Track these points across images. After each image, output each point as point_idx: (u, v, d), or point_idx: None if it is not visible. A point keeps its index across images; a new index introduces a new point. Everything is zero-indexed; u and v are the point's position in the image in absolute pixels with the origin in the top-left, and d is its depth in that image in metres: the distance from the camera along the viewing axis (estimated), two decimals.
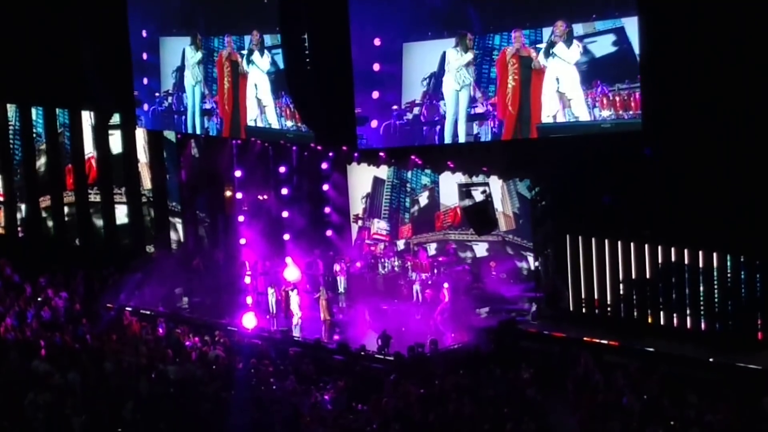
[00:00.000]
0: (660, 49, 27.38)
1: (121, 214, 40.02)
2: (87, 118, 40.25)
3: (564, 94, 28.78)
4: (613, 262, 30.36)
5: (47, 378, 27.94)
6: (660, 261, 29.56)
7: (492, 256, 34.37)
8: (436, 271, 34.32)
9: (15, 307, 33.71)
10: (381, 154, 34.13)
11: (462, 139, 30.13)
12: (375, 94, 30.28)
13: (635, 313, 30.21)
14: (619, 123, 28.18)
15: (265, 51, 31.91)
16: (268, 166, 36.80)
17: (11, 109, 42.06)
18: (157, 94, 35.09)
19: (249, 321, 32.44)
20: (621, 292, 30.34)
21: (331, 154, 36.31)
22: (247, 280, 35.16)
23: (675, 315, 29.54)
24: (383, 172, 36.53)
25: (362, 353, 29.86)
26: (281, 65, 31.58)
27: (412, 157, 33.94)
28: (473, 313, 32.25)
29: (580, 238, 30.85)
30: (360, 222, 37.47)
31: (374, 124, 30.24)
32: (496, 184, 33.94)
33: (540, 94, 29.01)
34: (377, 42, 29.98)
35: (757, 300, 28.37)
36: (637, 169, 29.48)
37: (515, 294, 32.71)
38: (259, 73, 32.30)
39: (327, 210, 37.61)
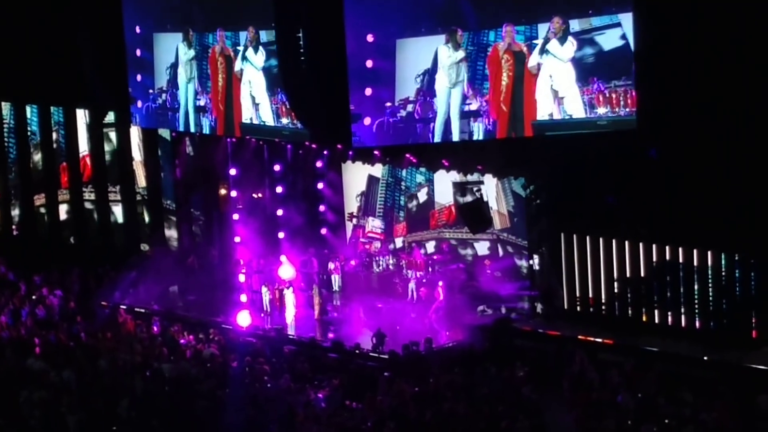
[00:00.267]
0: (656, 45, 27.34)
1: (116, 212, 39.99)
2: (82, 116, 40.23)
3: (558, 91, 28.74)
4: (607, 261, 30.38)
5: (42, 376, 27.94)
6: (655, 259, 29.57)
7: (493, 254, 34.32)
8: (430, 269, 34.34)
9: (10, 305, 33.70)
10: (376, 152, 34.14)
11: (456, 137, 30.07)
12: (368, 91, 30.09)
13: (630, 312, 30.21)
14: (615, 120, 28.15)
15: (260, 48, 31.85)
16: (262, 165, 36.80)
17: (6, 107, 42.01)
18: (151, 91, 35.00)
19: (243, 319, 32.44)
20: (616, 290, 30.35)
21: (325, 152, 36.31)
22: (242, 278, 35.15)
23: (670, 313, 29.54)
24: (378, 170, 36.52)
25: (357, 351, 29.87)
26: (276, 62, 31.51)
27: (407, 155, 33.93)
28: (468, 311, 32.26)
29: (574, 236, 30.86)
30: (355, 220, 37.47)
31: (367, 121, 30.13)
32: (490, 182, 33.92)
33: (534, 92, 28.97)
34: (370, 38, 29.75)
35: (751, 298, 28.38)
36: (632, 168, 29.47)
37: (510, 292, 32.72)
38: (253, 71, 32.24)
39: (322, 208, 37.61)
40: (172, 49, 34.09)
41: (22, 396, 26.49)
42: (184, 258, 37.22)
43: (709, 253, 28.68)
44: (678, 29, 27.10)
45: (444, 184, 35.21)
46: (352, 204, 37.43)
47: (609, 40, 28.01)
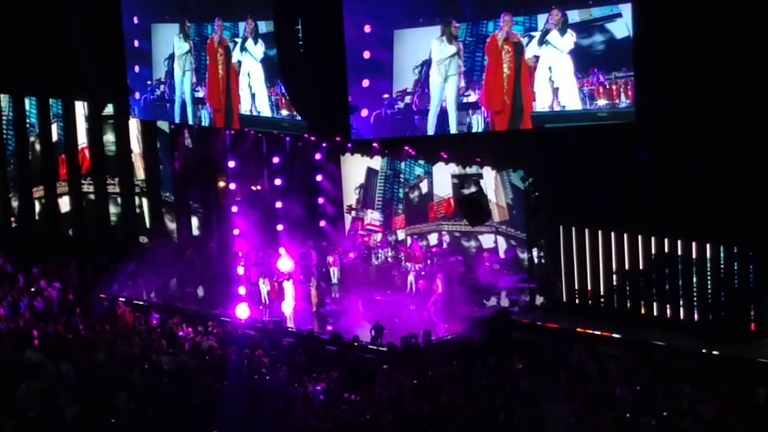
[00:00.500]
0: (655, 36, 27.29)
1: (115, 205, 39.96)
2: (80, 108, 40.18)
3: (556, 83, 28.66)
4: (606, 253, 30.37)
5: (40, 368, 27.92)
6: (653, 252, 29.57)
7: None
8: (429, 261, 34.33)
9: (8, 297, 33.66)
10: (374, 144, 34.09)
11: (454, 129, 30.01)
12: (365, 83, 29.98)
13: (628, 304, 30.22)
14: (615, 112, 28.09)
15: (259, 39, 31.77)
16: (261, 157, 36.78)
17: (5, 99, 41.94)
18: (149, 83, 34.91)
19: (242, 311, 32.44)
20: (614, 283, 30.36)
21: (324, 144, 36.28)
22: (241, 270, 35.14)
23: (668, 306, 29.55)
24: (377, 162, 36.49)
25: (355, 344, 29.87)
26: (275, 53, 31.41)
27: (406, 147, 33.90)
28: (467, 304, 32.26)
29: (573, 229, 30.85)
30: (353, 213, 37.45)
31: (364, 113, 30.00)
32: (489, 174, 33.90)
33: (533, 83, 28.88)
34: (367, 29, 29.58)
35: (750, 291, 28.40)
36: (630, 160, 29.45)
37: (509, 285, 32.72)
38: (252, 62, 32.16)
39: (321, 201, 37.60)
40: (170, 40, 34.01)
41: (21, 388, 26.47)
42: (182, 250, 37.18)
43: (707, 245, 28.68)
44: (677, 20, 27.04)
45: (443, 177, 35.17)
46: (350, 196, 37.40)
47: (609, 31, 27.87)
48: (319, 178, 37.46)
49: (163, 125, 37.77)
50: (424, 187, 35.81)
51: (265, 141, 36.34)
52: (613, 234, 30.15)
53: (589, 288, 30.79)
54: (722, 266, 28.61)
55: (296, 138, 35.44)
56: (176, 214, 38.69)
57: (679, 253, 29.16)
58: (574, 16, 28.19)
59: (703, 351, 27.79)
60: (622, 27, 27.63)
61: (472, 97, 29.62)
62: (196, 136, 37.44)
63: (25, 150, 41.68)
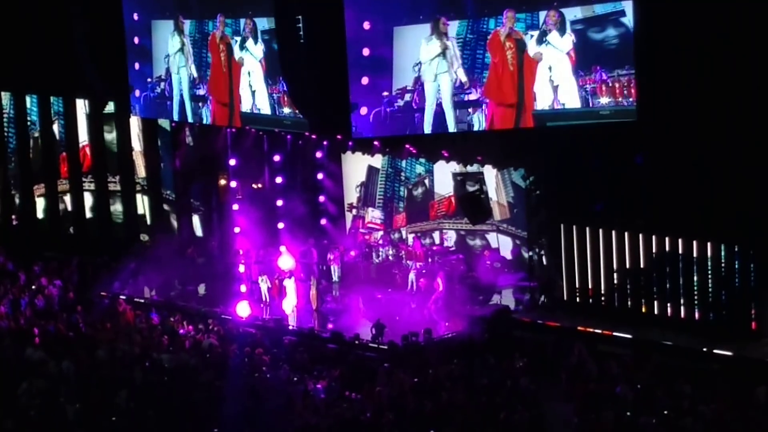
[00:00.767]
0: (656, 33, 27.27)
1: (116, 203, 39.96)
2: (81, 106, 40.18)
3: (555, 82, 28.64)
4: (607, 252, 30.34)
5: (41, 366, 27.94)
6: (654, 250, 29.55)
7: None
8: (430, 260, 34.31)
9: (9, 295, 33.67)
10: (375, 143, 34.09)
11: (452, 128, 29.97)
12: (365, 80, 29.92)
13: (629, 303, 30.19)
14: (617, 110, 28.06)
15: (259, 37, 31.73)
16: (262, 155, 36.77)
17: (6, 97, 41.93)
18: (149, 80, 34.89)
19: (243, 310, 32.43)
20: (615, 281, 30.33)
21: (325, 142, 36.27)
22: (241, 268, 35.14)
23: (669, 305, 29.53)
24: (378, 161, 36.48)
25: (356, 342, 29.86)
26: (276, 51, 31.38)
27: (407, 146, 33.88)
28: (468, 302, 32.27)
29: (574, 227, 30.81)
30: (354, 211, 37.45)
31: (364, 111, 29.96)
32: (490, 173, 33.89)
33: (534, 82, 28.87)
34: (367, 25, 29.52)
35: (751, 290, 28.37)
36: (632, 159, 29.45)
37: (509, 283, 32.72)
38: (252, 61, 32.16)
39: (322, 199, 37.58)
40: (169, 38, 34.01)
41: (21, 386, 26.47)
42: (183, 248, 37.18)
43: (708, 244, 28.65)
44: (678, 17, 27.02)
45: (444, 175, 35.16)
46: (351, 194, 37.39)
47: (612, 28, 27.83)
48: (320, 176, 37.44)
49: (164, 123, 37.76)
50: (426, 183, 35.81)
51: (266, 139, 36.32)
52: (614, 232, 30.13)
53: (589, 286, 30.76)
54: (723, 265, 28.58)
55: (297, 136, 35.42)
56: (177, 212, 38.70)
57: (680, 251, 29.13)
58: (577, 12, 28.10)
59: (704, 350, 27.77)
60: (624, 24, 27.59)
61: (473, 95, 29.59)
62: (197, 134, 37.43)
63: (26, 148, 41.66)
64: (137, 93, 35.26)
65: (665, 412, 23.77)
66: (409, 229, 36.07)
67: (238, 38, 32.19)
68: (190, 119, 34.45)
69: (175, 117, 34.68)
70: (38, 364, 28.14)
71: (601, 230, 30.36)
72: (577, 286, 30.96)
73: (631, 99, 27.78)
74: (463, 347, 28.86)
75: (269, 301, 33.74)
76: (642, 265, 29.77)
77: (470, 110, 29.66)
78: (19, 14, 38.48)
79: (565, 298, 31.23)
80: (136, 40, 34.76)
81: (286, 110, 31.76)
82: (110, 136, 39.61)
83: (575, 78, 28.37)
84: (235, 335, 30.44)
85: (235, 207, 36.21)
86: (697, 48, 27.13)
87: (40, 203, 41.70)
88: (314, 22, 30.00)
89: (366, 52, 29.64)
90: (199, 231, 38.48)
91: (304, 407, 25.28)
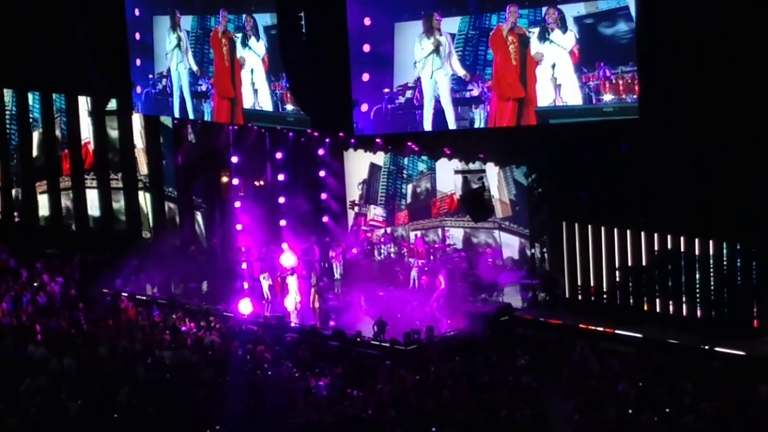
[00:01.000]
0: (657, 30, 27.24)
1: (118, 200, 39.97)
2: (83, 103, 40.19)
3: (558, 80, 28.61)
4: (609, 249, 30.32)
5: (43, 363, 27.94)
6: (656, 248, 29.53)
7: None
8: (432, 257, 34.31)
9: (11, 291, 33.70)
10: (377, 140, 34.08)
11: (452, 125, 29.93)
12: (365, 77, 29.85)
13: (631, 301, 30.18)
14: (621, 107, 28.02)
15: (261, 34, 31.70)
16: (264, 152, 36.77)
17: (8, 94, 41.99)
18: (150, 76, 34.90)
19: (245, 307, 32.44)
20: (617, 279, 30.31)
21: (327, 140, 36.27)
22: (244, 266, 35.14)
23: (671, 302, 29.51)
24: (380, 158, 36.47)
25: (358, 339, 29.86)
26: (278, 48, 31.33)
27: (409, 143, 33.88)
28: (469, 299, 32.27)
29: (576, 225, 30.81)
30: (356, 208, 37.45)
31: (364, 107, 29.92)
32: (492, 170, 33.88)
33: (536, 78, 28.84)
34: (367, 21, 29.47)
35: (753, 287, 28.35)
36: (634, 156, 29.43)
37: (511, 281, 32.71)
38: (254, 58, 32.13)
39: (324, 196, 37.58)
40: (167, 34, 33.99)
41: (23, 383, 26.48)
42: (185, 245, 37.19)
43: (710, 241, 28.63)
44: (680, 15, 27.00)
45: (446, 173, 35.14)
46: (353, 192, 37.40)
47: (616, 25, 27.77)
48: (322, 173, 37.46)
49: (166, 120, 37.75)
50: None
51: (268, 136, 36.33)
52: (615, 230, 30.11)
53: (591, 284, 30.76)
54: (725, 263, 28.56)
55: (299, 133, 35.41)
56: (179, 209, 38.70)
57: (682, 249, 29.11)
58: (580, 8, 28.07)
59: (706, 348, 27.76)
60: (628, 21, 27.54)
61: (475, 91, 29.55)
62: (200, 131, 37.41)
63: (29, 145, 41.72)
64: (139, 89, 35.23)
65: (667, 410, 23.74)
66: (411, 227, 36.06)
67: (240, 35, 32.13)
68: (191, 116, 34.44)
69: (176, 114, 34.65)
70: (40, 361, 28.14)
71: (603, 228, 30.34)
72: (579, 283, 30.95)
73: (634, 96, 27.75)
74: (465, 345, 28.85)
75: (271, 299, 33.77)
76: (644, 263, 29.75)
77: (472, 107, 29.61)
78: (21, 11, 38.51)
79: (567, 295, 31.22)
80: (137, 36, 34.73)
81: (289, 107, 31.72)
82: (112, 133, 39.62)
83: (578, 75, 28.33)
84: (236, 332, 30.45)
85: (237, 204, 36.25)
86: (700, 45, 27.12)
87: (43, 200, 41.74)
88: (316, 18, 29.93)
89: (367, 48, 29.57)
90: (201, 228, 38.47)
91: (306, 404, 25.27)
